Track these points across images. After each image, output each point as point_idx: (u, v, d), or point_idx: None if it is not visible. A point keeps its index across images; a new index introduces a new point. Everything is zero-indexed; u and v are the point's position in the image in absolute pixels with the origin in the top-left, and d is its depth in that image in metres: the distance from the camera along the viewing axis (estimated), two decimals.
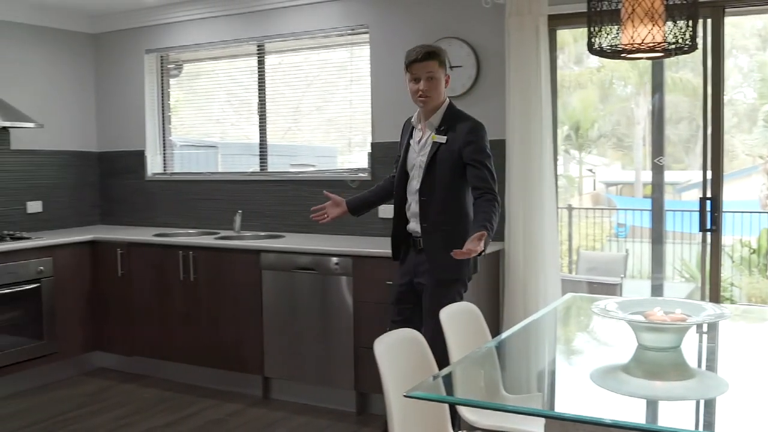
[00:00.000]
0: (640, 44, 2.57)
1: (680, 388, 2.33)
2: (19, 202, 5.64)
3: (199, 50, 5.79)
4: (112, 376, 5.32)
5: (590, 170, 13.54)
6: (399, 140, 3.83)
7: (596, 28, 2.68)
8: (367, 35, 5.01)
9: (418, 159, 3.63)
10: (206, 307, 4.94)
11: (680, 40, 2.59)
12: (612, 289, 5.96)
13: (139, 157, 6.01)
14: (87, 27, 6.08)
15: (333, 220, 3.94)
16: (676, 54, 2.67)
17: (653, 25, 2.54)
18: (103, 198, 6.26)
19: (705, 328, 2.95)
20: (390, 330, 3.25)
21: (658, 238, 4.87)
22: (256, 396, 4.81)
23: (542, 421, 2.31)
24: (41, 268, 5.02)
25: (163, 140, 6.06)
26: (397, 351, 2.52)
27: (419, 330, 2.85)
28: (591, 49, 2.73)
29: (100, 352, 5.46)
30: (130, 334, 5.27)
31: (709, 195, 4.07)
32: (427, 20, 4.75)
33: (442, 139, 3.54)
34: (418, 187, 3.59)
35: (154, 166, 6.02)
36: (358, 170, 5.12)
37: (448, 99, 3.65)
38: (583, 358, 2.81)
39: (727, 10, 3.99)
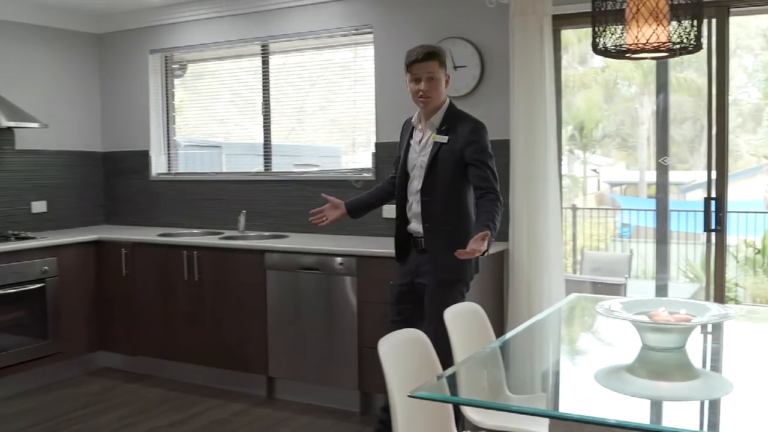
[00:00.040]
0: (644, 44, 2.56)
1: (685, 389, 2.32)
2: (24, 202, 5.66)
3: (203, 50, 5.80)
4: (116, 375, 5.33)
5: (594, 170, 13.53)
6: (398, 141, 3.83)
7: (601, 28, 2.67)
8: (371, 35, 5.01)
9: (419, 159, 3.63)
10: (210, 307, 4.94)
11: (685, 40, 2.59)
12: (616, 290, 5.96)
13: (144, 157, 6.02)
14: (91, 27, 6.09)
15: (332, 222, 3.92)
16: (680, 54, 2.67)
17: (658, 24, 2.54)
18: (107, 198, 6.27)
19: (709, 328, 2.95)
20: (390, 330, 3.25)
21: (662, 238, 4.86)
22: (261, 396, 4.82)
23: (546, 421, 2.31)
24: (46, 268, 5.03)
25: (168, 140, 6.07)
26: (401, 351, 2.52)
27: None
28: (595, 48, 2.72)
29: (105, 351, 5.47)
30: (134, 334, 5.28)
31: (713, 195, 4.06)
32: (431, 20, 4.75)
33: (444, 139, 3.54)
34: (419, 187, 3.59)
35: (158, 166, 6.03)
36: (362, 170, 5.12)
37: (448, 99, 3.65)
38: (588, 358, 2.81)
39: (731, 9, 3.98)
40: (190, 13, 5.68)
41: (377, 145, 4.99)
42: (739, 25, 9.26)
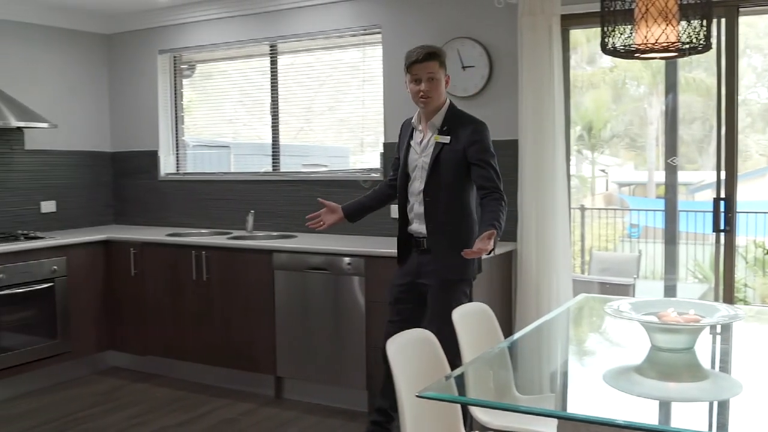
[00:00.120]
0: (653, 44, 2.56)
1: (693, 390, 2.32)
2: (33, 201, 5.68)
3: (212, 50, 5.81)
4: (124, 375, 5.34)
5: (603, 170, 13.49)
6: (398, 142, 3.83)
7: (609, 28, 2.67)
8: (379, 35, 5.01)
9: (420, 160, 3.62)
10: (219, 307, 4.95)
11: (694, 40, 2.58)
12: (625, 290, 5.94)
13: (152, 157, 6.03)
14: (100, 27, 6.11)
15: (329, 227, 3.93)
16: (690, 54, 2.66)
17: (667, 24, 2.53)
18: (116, 198, 6.29)
19: (719, 329, 2.94)
20: (387, 330, 3.25)
21: (671, 238, 4.85)
22: (269, 396, 4.83)
23: (554, 421, 2.30)
24: (55, 267, 5.05)
25: (176, 140, 6.08)
26: (409, 351, 2.53)
27: None
28: (604, 48, 2.72)
29: (113, 351, 5.49)
30: (143, 334, 5.30)
31: (722, 195, 4.05)
32: (439, 20, 4.75)
33: (446, 139, 3.54)
34: (421, 188, 3.59)
35: (167, 166, 6.05)
36: (371, 170, 5.12)
37: (448, 99, 3.66)
38: (596, 358, 2.80)
39: (741, 9, 3.97)
40: (198, 13, 5.69)
41: (385, 145, 4.99)
42: (749, 25, 9.22)
